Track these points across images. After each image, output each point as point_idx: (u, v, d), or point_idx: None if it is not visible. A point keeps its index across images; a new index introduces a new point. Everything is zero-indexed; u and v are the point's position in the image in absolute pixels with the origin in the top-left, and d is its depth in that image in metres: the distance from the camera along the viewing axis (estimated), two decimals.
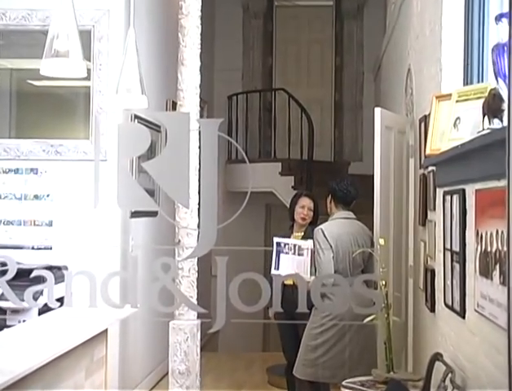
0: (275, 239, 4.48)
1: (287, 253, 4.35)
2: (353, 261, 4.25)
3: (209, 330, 2.58)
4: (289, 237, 4.85)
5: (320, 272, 4.16)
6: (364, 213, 4.80)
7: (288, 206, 5.10)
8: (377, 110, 4.24)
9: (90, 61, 4.47)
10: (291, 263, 4.28)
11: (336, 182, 4.51)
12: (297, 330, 4.84)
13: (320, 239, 4.27)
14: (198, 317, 4.33)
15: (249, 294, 2.64)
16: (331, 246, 4.24)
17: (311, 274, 4.16)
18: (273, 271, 4.24)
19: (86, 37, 4.42)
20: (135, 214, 4.72)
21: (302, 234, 4.83)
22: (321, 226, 4.35)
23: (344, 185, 4.48)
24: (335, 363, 4.18)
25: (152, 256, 2.61)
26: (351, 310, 2.45)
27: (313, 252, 4.28)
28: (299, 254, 4.31)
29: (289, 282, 4.44)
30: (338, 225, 4.38)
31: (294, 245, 4.35)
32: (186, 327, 4.33)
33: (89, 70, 4.37)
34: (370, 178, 4.27)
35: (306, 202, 4.92)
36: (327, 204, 4.59)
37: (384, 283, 3.28)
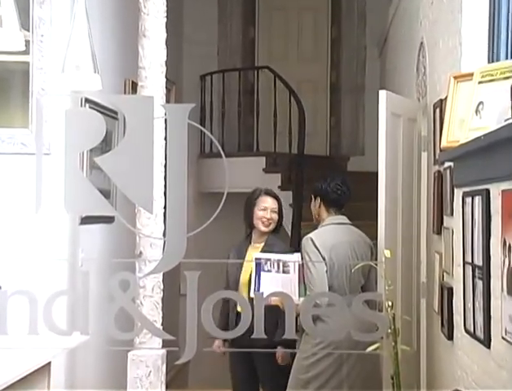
0: (254, 255, 4.42)
1: (269, 271, 4.29)
2: (351, 276, 4.26)
3: (177, 361, 2.58)
4: (246, 249, 4.79)
5: (311, 290, 4.16)
6: (366, 219, 4.81)
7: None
8: (383, 93, 4.26)
9: (28, 31, 4.43)
10: (275, 282, 4.25)
11: (325, 182, 4.52)
12: (255, 366, 4.76)
13: (309, 251, 4.27)
14: (163, 345, 4.32)
15: None
16: (324, 258, 4.24)
17: (299, 295, 4.15)
18: (252, 293, 4.18)
19: (23, 0, 4.39)
20: (86, 220, 4.69)
21: (263, 245, 4.75)
22: (310, 235, 4.35)
23: (337, 184, 4.48)
24: None
25: (108, 271, 2.60)
26: (350, 337, 2.46)
27: (302, 267, 4.27)
28: (284, 271, 4.28)
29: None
30: (332, 232, 4.39)
31: (278, 260, 4.28)
32: (148, 359, 4.31)
33: (27, 42, 4.33)
34: (373, 176, 4.28)
35: (268, 202, 4.75)
36: (313, 209, 4.59)
37: (390, 303, 3.28)
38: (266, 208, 4.72)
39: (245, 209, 4.84)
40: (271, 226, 4.74)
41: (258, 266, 4.27)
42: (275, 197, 4.81)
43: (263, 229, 4.73)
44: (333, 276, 4.25)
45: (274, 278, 4.25)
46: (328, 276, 4.25)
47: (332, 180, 4.51)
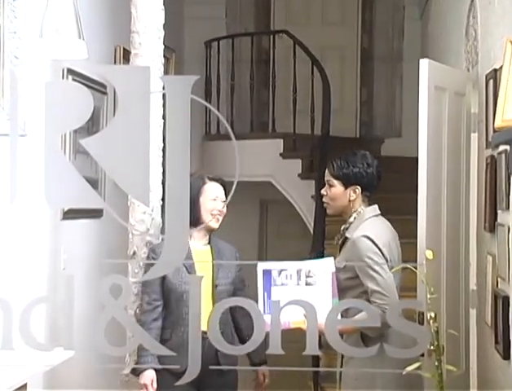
0: (260, 266, 3.95)
1: (283, 285, 4.00)
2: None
3: (178, 382, 2.59)
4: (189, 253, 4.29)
5: (383, 300, 3.95)
6: (403, 213, 4.78)
7: (292, 200, 4.81)
8: (424, 62, 4.25)
9: None
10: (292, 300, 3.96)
11: (363, 164, 4.26)
12: None
13: (373, 254, 4.03)
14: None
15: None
16: (387, 261, 4.05)
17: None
18: (265, 318, 3.91)
19: None
20: (70, 214, 4.71)
21: (207, 243, 4.44)
22: (367, 233, 4.05)
23: (377, 166, 4.24)
24: None
25: (96, 274, 2.61)
26: (383, 353, 2.45)
27: (335, 276, 4.06)
28: (308, 283, 4.03)
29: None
30: (380, 227, 4.16)
31: (298, 270, 4.00)
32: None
33: None
34: (413, 162, 4.28)
35: (218, 191, 4.39)
36: (343, 200, 4.34)
37: (433, 314, 3.27)
38: (216, 198, 4.38)
39: (191, 200, 4.36)
40: (219, 222, 4.39)
41: (268, 280, 3.96)
42: (223, 185, 4.43)
43: (215, 225, 4.38)
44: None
45: (292, 294, 3.93)
46: None
47: (370, 161, 4.27)
